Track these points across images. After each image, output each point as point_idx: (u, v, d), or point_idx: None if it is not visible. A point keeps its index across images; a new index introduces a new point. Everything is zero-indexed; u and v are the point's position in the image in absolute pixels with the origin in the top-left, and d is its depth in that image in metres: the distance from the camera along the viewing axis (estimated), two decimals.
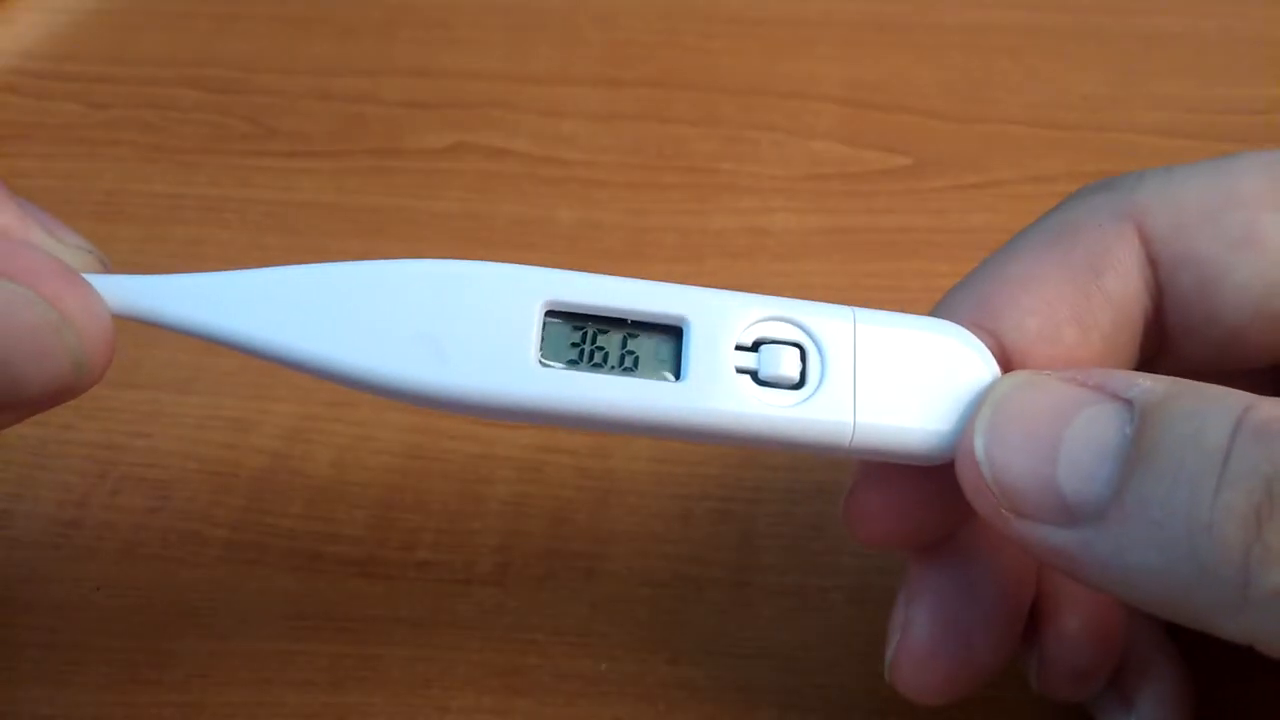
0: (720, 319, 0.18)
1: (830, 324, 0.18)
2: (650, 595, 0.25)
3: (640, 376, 0.17)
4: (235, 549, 0.25)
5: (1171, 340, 0.19)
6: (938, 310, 0.20)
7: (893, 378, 0.18)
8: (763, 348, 0.18)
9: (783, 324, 0.18)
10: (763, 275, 0.31)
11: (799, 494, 0.26)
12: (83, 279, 0.17)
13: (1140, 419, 0.15)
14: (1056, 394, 0.17)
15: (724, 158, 0.34)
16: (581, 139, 0.35)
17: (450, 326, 0.17)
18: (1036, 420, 0.16)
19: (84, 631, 0.24)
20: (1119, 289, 0.19)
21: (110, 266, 0.18)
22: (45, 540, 0.25)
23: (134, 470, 0.27)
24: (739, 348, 0.18)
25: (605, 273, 0.18)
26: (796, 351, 0.18)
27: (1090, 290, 0.19)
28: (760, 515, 0.26)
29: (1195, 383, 0.16)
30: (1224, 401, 0.15)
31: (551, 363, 0.17)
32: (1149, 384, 0.16)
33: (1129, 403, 0.16)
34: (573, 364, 0.17)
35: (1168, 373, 0.18)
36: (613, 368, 0.17)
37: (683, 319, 0.18)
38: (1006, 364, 0.19)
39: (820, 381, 0.18)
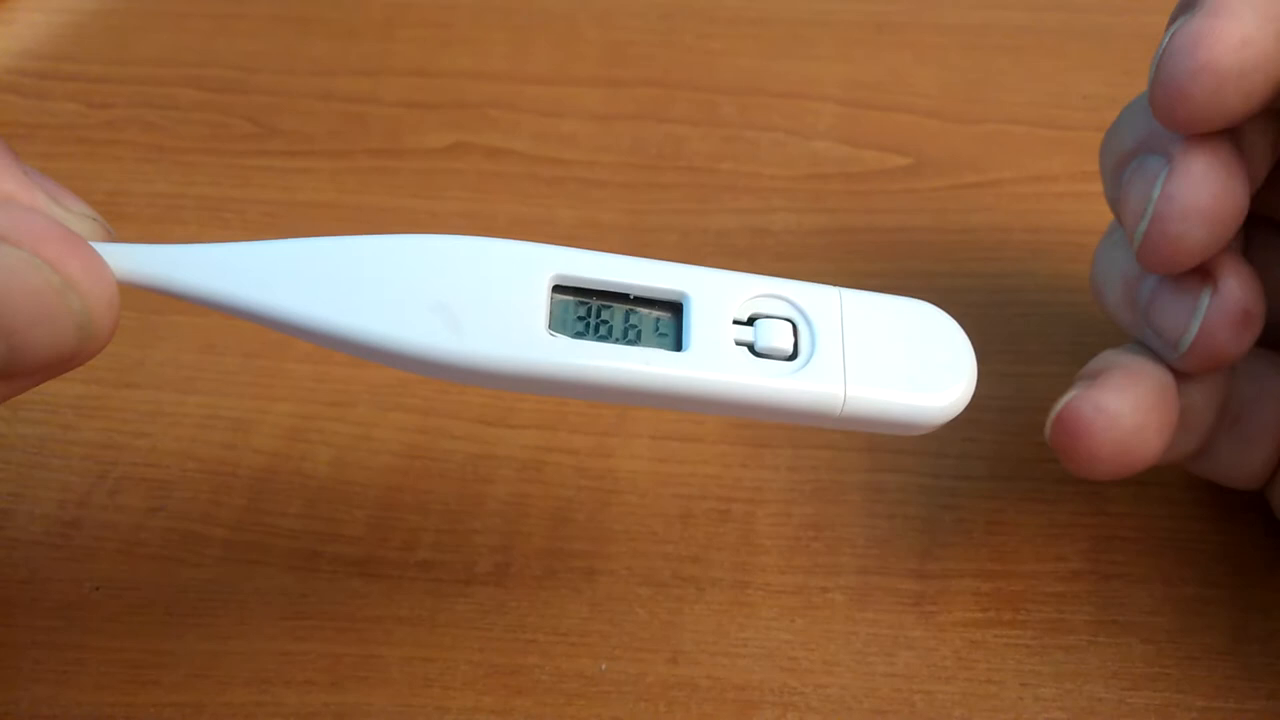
0: (718, 294, 0.19)
1: (819, 301, 0.19)
2: (650, 595, 0.25)
3: (644, 347, 0.18)
4: (235, 549, 0.25)
5: None
6: None
7: (877, 351, 0.19)
8: (758, 322, 0.19)
9: (776, 300, 0.19)
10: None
11: (799, 494, 0.26)
12: (87, 244, 0.16)
13: None
14: None
15: (724, 158, 0.34)
16: (581, 139, 0.35)
17: (464, 298, 0.18)
18: None
19: (84, 631, 0.24)
20: None
21: (115, 234, 0.18)
22: (45, 540, 0.25)
23: (134, 470, 0.27)
24: (735, 322, 0.19)
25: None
26: (789, 326, 0.19)
27: None
28: (760, 515, 0.26)
29: None
30: None
31: (560, 333, 0.18)
32: None
33: None
34: (579, 335, 0.18)
35: None
36: (617, 339, 0.18)
37: (683, 294, 0.19)
38: None
39: (812, 353, 0.19)
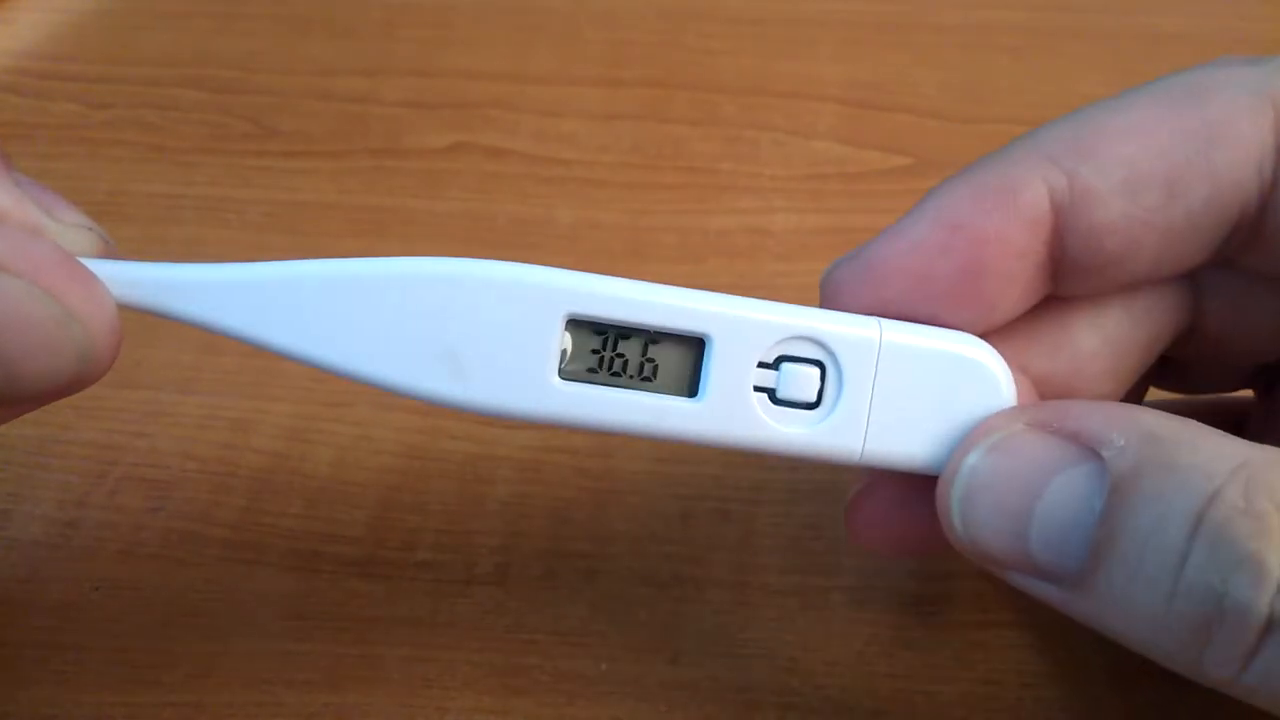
0: (744, 337, 0.18)
1: (854, 342, 0.18)
2: (650, 595, 0.25)
3: (658, 390, 0.18)
4: (235, 549, 0.25)
5: (1268, 240, 0.18)
6: (1022, 142, 0.19)
7: (909, 400, 0.18)
8: (783, 366, 0.18)
9: (805, 342, 0.18)
10: (763, 275, 0.31)
11: (799, 494, 0.26)
12: (86, 270, 0.16)
13: (1110, 493, 0.15)
14: (1026, 459, 0.17)
15: (724, 158, 0.34)
16: (581, 139, 0.35)
17: (470, 339, 0.17)
18: (1008, 493, 0.17)
19: (84, 631, 0.24)
20: (1228, 167, 0.17)
21: (113, 244, 0.18)
22: (45, 540, 0.25)
23: (134, 470, 0.27)
24: (760, 364, 0.18)
25: (606, 273, 0.18)
26: (816, 371, 0.18)
27: (1196, 160, 0.17)
28: (760, 515, 0.26)
29: (1173, 443, 0.15)
30: (1190, 483, 0.15)
31: (571, 372, 0.17)
32: (1123, 442, 0.16)
33: (1102, 463, 0.16)
34: (592, 372, 0.18)
35: (1252, 268, 0.18)
36: (632, 376, 0.18)
37: (705, 335, 0.18)
38: (1062, 214, 0.18)
39: (836, 404, 0.18)
